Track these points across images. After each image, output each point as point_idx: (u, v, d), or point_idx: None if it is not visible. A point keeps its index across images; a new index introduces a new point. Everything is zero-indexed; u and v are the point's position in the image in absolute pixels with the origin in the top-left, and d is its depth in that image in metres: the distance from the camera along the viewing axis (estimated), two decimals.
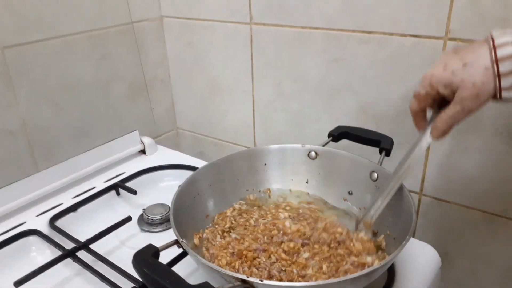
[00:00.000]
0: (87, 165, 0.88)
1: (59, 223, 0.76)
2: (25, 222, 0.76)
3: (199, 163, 0.91)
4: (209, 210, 0.68)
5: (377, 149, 0.69)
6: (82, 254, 0.66)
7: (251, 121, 0.98)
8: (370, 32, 0.75)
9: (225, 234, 0.64)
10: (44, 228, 0.73)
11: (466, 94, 0.47)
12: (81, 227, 0.76)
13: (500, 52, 0.45)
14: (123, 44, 0.95)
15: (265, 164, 0.72)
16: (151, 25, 1.01)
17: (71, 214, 0.78)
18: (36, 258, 0.71)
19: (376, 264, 0.53)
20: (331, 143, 0.73)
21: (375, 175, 0.65)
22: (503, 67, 0.45)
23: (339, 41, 0.78)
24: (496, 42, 0.46)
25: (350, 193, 0.69)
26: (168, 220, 0.77)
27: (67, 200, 0.82)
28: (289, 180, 0.73)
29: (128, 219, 0.74)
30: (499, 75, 0.45)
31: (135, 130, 0.96)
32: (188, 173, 0.87)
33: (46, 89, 0.83)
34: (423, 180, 0.79)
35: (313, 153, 0.72)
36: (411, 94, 0.74)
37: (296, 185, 0.73)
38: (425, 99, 0.53)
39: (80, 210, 0.79)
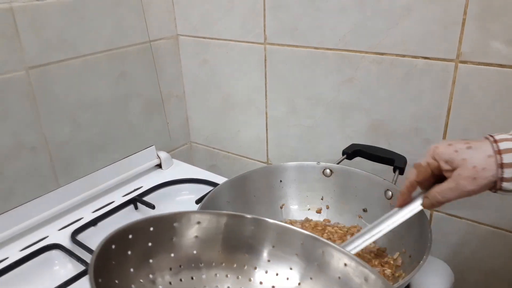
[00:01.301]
0: (105, 180, 0.90)
1: (80, 237, 0.78)
2: (47, 237, 0.78)
3: (214, 177, 0.94)
4: None
5: (387, 166, 0.71)
6: None
7: (264, 137, 1.01)
8: (382, 54, 0.77)
9: None
10: (66, 242, 0.76)
11: (464, 174, 0.48)
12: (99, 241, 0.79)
13: (502, 146, 0.47)
14: (140, 62, 0.98)
15: (280, 181, 0.75)
16: (167, 43, 1.04)
17: (91, 229, 0.80)
18: (59, 272, 0.73)
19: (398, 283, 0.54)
20: (345, 160, 0.76)
21: (390, 193, 0.67)
22: (506, 159, 0.46)
23: (352, 61, 0.81)
24: (496, 137, 0.48)
25: (365, 210, 0.71)
26: None
27: (87, 214, 0.84)
28: (304, 197, 0.75)
29: None
30: (502, 165, 0.46)
31: (152, 146, 0.99)
32: (204, 187, 0.91)
33: (67, 106, 0.86)
34: None
35: (328, 171, 0.74)
36: (422, 114, 0.77)
37: (311, 201, 0.75)
38: (425, 171, 0.53)
39: (100, 224, 0.81)
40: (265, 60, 0.92)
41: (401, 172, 0.70)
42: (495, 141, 0.48)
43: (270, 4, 0.87)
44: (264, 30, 0.90)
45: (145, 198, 0.88)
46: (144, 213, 0.87)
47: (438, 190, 0.51)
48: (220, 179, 0.91)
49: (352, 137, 0.87)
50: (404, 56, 0.75)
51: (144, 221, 0.42)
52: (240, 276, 0.46)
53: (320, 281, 0.44)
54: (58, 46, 0.82)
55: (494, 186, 0.48)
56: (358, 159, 0.77)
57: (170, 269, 0.43)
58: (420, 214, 0.60)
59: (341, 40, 0.81)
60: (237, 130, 1.06)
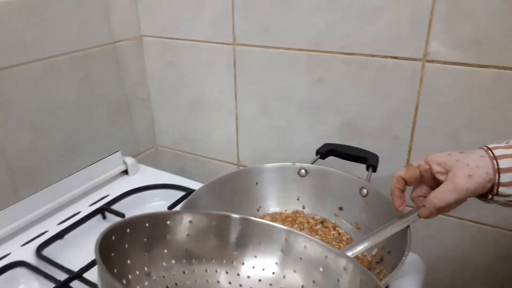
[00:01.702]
0: (70, 189, 0.86)
1: (46, 252, 0.73)
2: (10, 254, 0.73)
3: (184, 182, 0.91)
4: None
5: (360, 165, 0.73)
6: (76, 285, 0.65)
7: (235, 138, 1.00)
8: (352, 54, 0.78)
9: None
10: (31, 259, 0.71)
11: (459, 172, 0.49)
12: (69, 254, 0.75)
13: (496, 152, 0.48)
14: (104, 64, 0.93)
15: (257, 183, 0.74)
16: (131, 45, 1.00)
17: (58, 242, 0.76)
18: None
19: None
20: (319, 160, 0.76)
21: (365, 191, 0.68)
22: (502, 164, 0.47)
23: (323, 61, 0.81)
24: (489, 146, 0.50)
25: (340, 208, 0.72)
26: None
27: (52, 227, 0.79)
28: (280, 198, 0.75)
29: None
30: (498, 170, 0.47)
31: (117, 151, 0.95)
32: (174, 193, 0.88)
33: (27, 112, 0.81)
34: None
35: (303, 171, 0.74)
36: (391, 112, 0.79)
37: (288, 202, 0.75)
38: (413, 170, 0.54)
39: (67, 237, 0.77)
40: (235, 61, 0.91)
41: (374, 169, 0.71)
42: (489, 149, 0.49)
43: (240, 4, 0.86)
44: (233, 31, 0.89)
45: (113, 207, 0.85)
46: (112, 223, 0.84)
47: (435, 194, 0.51)
48: (190, 184, 0.89)
49: (324, 136, 0.87)
50: (373, 56, 0.77)
51: (141, 217, 0.45)
52: (228, 271, 0.49)
53: (303, 273, 0.48)
54: (17, 48, 0.77)
55: (491, 191, 0.49)
56: (331, 158, 0.77)
57: (164, 263, 0.46)
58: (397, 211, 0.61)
59: (312, 41, 0.81)
60: (206, 132, 1.04)
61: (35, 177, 0.84)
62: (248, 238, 0.49)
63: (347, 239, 0.68)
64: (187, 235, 0.48)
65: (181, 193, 0.86)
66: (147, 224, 0.45)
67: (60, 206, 0.84)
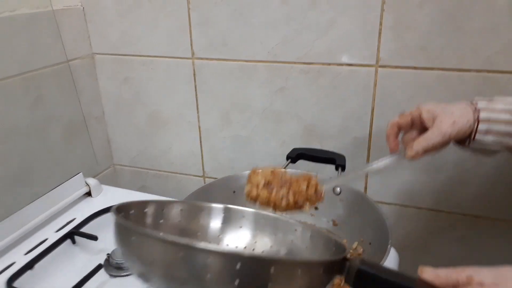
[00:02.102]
0: (33, 216, 0.82)
1: (17, 284, 0.69)
2: None
3: (151, 198, 0.90)
4: None
5: (325, 165, 0.78)
6: None
7: (199, 151, 1.01)
8: (310, 63, 0.83)
9: None
10: None
11: (445, 119, 0.56)
12: (42, 284, 0.71)
13: (480, 104, 0.56)
14: (56, 84, 0.90)
15: (234, 192, 0.76)
16: (82, 63, 0.98)
17: (28, 272, 0.72)
18: None
19: None
20: (290, 164, 0.80)
21: (338, 189, 0.73)
22: (482, 115, 0.55)
23: (282, 72, 0.86)
24: (474, 99, 0.57)
25: (316, 208, 0.76)
26: None
27: (19, 257, 0.75)
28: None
29: (99, 267, 0.72)
30: (478, 120, 0.55)
31: (79, 173, 0.92)
32: None
33: None
34: (365, 188, 0.90)
35: None
36: (349, 115, 0.85)
37: None
38: (406, 116, 0.61)
39: (37, 266, 0.73)
40: (194, 74, 0.93)
41: (343, 169, 0.76)
42: (474, 102, 0.57)
43: (196, 20, 0.88)
44: (191, 46, 0.90)
45: (83, 230, 0.82)
46: (83, 247, 0.81)
47: (424, 137, 0.57)
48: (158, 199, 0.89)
49: (287, 142, 0.92)
50: (329, 64, 0.82)
51: (142, 202, 0.53)
52: (211, 241, 0.57)
53: (271, 237, 0.57)
54: None
55: (469, 137, 0.56)
56: (299, 161, 0.82)
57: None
58: (370, 204, 0.67)
59: (270, 53, 0.85)
60: (167, 147, 1.04)
61: None
62: (231, 221, 0.57)
63: None
64: (179, 221, 0.55)
65: None
66: (145, 210, 0.53)
67: (25, 235, 0.79)
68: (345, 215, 0.71)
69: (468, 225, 0.86)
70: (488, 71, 0.74)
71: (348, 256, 0.42)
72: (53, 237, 0.80)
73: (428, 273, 0.38)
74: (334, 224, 0.73)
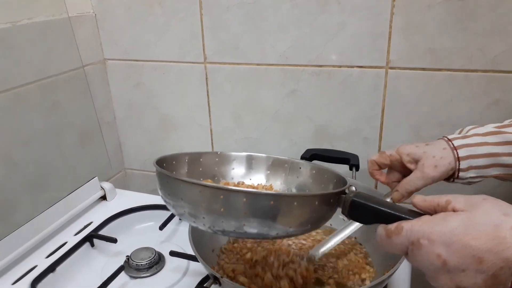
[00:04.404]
0: (53, 221, 0.83)
1: (40, 286, 0.71)
2: None
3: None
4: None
5: (335, 165, 0.80)
6: None
7: None
8: (321, 66, 0.86)
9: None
10: None
11: (427, 163, 0.58)
12: (64, 287, 0.73)
13: (456, 143, 0.58)
14: (71, 90, 0.92)
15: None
16: (94, 69, 0.99)
17: (51, 275, 0.73)
18: None
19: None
20: None
21: (353, 188, 0.74)
22: (461, 153, 0.58)
23: (293, 74, 0.88)
24: (449, 137, 0.60)
25: None
26: (157, 263, 0.78)
27: (41, 261, 0.76)
28: None
29: (121, 269, 0.73)
30: (458, 158, 0.58)
31: (94, 177, 0.93)
32: (159, 213, 0.89)
33: None
34: (376, 187, 0.92)
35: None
36: (360, 116, 0.87)
37: None
38: (385, 157, 0.63)
39: (58, 269, 0.75)
40: (206, 78, 0.95)
41: (357, 168, 0.78)
42: (449, 140, 0.59)
43: (208, 24, 0.89)
44: (204, 50, 0.92)
45: (101, 233, 0.83)
46: (101, 249, 0.82)
47: (407, 181, 0.60)
48: None
49: (298, 143, 0.94)
50: (340, 66, 0.85)
51: (182, 154, 0.65)
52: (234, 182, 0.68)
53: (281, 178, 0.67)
54: None
55: (452, 175, 0.59)
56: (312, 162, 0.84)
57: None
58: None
59: (282, 56, 0.87)
60: (178, 150, 1.05)
61: (13, 212, 0.79)
62: (255, 168, 0.68)
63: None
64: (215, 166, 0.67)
65: (167, 213, 0.87)
66: (186, 159, 0.65)
67: (45, 239, 0.81)
68: None
69: None
70: (495, 71, 0.76)
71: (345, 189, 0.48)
72: (72, 241, 0.81)
73: (417, 198, 0.44)
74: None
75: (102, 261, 0.80)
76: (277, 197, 0.46)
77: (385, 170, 0.66)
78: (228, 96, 0.95)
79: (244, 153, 0.67)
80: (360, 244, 0.73)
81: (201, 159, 0.65)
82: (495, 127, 0.60)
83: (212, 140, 1.01)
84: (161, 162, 0.57)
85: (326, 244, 0.67)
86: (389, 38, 0.79)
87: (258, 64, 0.90)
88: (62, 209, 0.85)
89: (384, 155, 0.63)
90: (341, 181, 0.56)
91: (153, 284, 0.74)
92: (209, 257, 0.69)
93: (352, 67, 0.84)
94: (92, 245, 0.82)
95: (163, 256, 0.79)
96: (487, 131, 0.59)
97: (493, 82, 0.77)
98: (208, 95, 0.96)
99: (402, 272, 0.72)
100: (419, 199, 0.43)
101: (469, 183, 0.61)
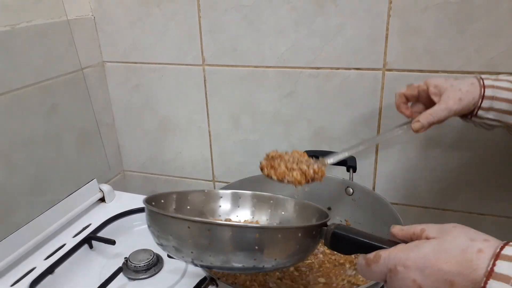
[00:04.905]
0: (51, 223, 0.83)
1: None
2: None
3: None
4: None
5: (334, 167, 0.80)
6: None
7: (208, 156, 1.03)
8: (318, 68, 0.86)
9: None
10: None
11: (452, 95, 0.59)
12: None
13: (486, 82, 0.59)
14: (70, 92, 0.92)
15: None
16: (93, 71, 0.99)
17: (49, 277, 0.74)
18: None
19: None
20: None
21: (350, 190, 0.75)
22: (488, 92, 0.58)
23: (291, 77, 0.88)
24: (482, 76, 0.60)
25: (329, 208, 0.78)
26: (155, 265, 0.78)
27: (39, 262, 0.77)
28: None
29: (119, 270, 0.73)
30: (483, 97, 0.58)
31: (93, 179, 0.93)
32: None
33: None
34: (374, 188, 0.93)
35: None
36: (357, 118, 0.88)
37: None
38: (412, 89, 0.64)
39: (57, 271, 0.75)
40: (205, 80, 0.95)
41: (354, 170, 0.79)
42: (480, 78, 0.60)
43: (207, 27, 0.90)
44: (202, 53, 0.92)
45: (99, 235, 0.84)
46: (99, 251, 0.83)
47: (430, 112, 0.61)
48: None
49: (296, 145, 0.94)
50: (338, 68, 0.85)
51: (170, 193, 0.64)
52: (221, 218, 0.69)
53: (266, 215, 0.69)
54: None
55: (472, 112, 0.60)
56: None
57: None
58: (387, 205, 0.69)
59: (280, 58, 0.88)
60: (177, 152, 1.05)
61: (12, 214, 0.80)
62: (241, 205, 0.69)
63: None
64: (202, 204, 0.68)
65: None
66: (174, 197, 0.65)
67: (43, 241, 0.81)
68: (357, 214, 0.73)
69: (474, 223, 0.88)
70: (492, 73, 0.76)
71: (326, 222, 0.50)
72: (71, 242, 0.81)
73: (395, 228, 0.46)
74: (347, 223, 0.75)
75: (101, 262, 0.80)
76: (262, 230, 0.48)
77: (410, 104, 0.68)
78: (227, 98, 0.95)
79: (230, 191, 0.69)
80: None
81: (188, 197, 0.66)
82: None
83: (210, 142, 1.01)
84: (150, 201, 0.57)
85: (338, 155, 0.69)
86: (386, 40, 0.80)
87: (256, 66, 0.90)
88: (61, 211, 0.85)
89: (412, 87, 0.65)
90: (323, 215, 0.58)
91: (151, 286, 0.74)
92: None
93: (349, 69, 0.84)
94: (91, 247, 0.82)
95: (161, 258, 0.79)
96: None
97: None
98: (206, 97, 0.97)
99: None
100: (397, 229, 0.46)
101: (485, 124, 0.62)
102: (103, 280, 0.70)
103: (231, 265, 0.47)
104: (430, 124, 0.62)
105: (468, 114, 0.61)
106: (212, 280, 0.57)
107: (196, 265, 0.49)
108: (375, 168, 0.91)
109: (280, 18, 0.84)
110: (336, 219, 0.77)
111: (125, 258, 0.78)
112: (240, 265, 0.47)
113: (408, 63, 0.80)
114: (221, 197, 0.68)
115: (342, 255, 0.70)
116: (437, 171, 0.87)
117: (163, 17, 0.92)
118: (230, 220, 0.67)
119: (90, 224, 0.88)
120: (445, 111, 0.60)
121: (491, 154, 0.82)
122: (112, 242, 0.80)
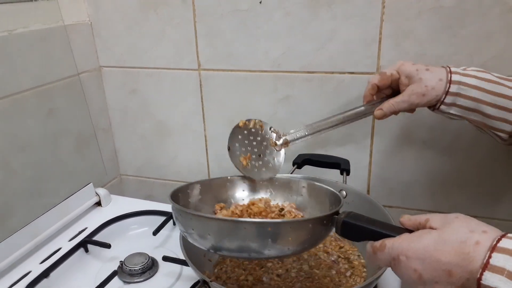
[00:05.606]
0: (47, 227, 0.84)
1: None
2: None
3: (162, 207, 0.93)
4: None
5: (328, 170, 0.81)
6: None
7: (204, 159, 1.03)
8: (313, 72, 0.87)
9: None
10: None
11: (416, 90, 0.62)
12: None
13: (454, 77, 0.61)
14: (67, 97, 0.93)
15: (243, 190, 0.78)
16: (90, 76, 1.00)
17: (44, 281, 0.74)
18: None
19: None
20: (296, 170, 0.83)
21: (344, 193, 0.76)
22: (452, 89, 0.61)
23: (286, 81, 0.89)
24: (452, 69, 0.62)
25: None
26: (150, 268, 0.78)
27: (35, 266, 0.77)
28: None
29: (114, 274, 0.73)
30: (447, 92, 0.61)
31: (89, 183, 0.94)
32: (153, 218, 0.89)
33: None
34: (368, 191, 0.93)
35: None
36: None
37: None
38: (386, 79, 0.66)
39: (52, 274, 0.75)
40: (201, 85, 0.96)
41: (348, 173, 0.79)
42: (450, 72, 0.62)
43: (202, 32, 0.91)
44: (198, 57, 0.93)
45: (95, 238, 0.84)
46: (95, 255, 0.83)
47: (393, 101, 0.65)
48: (168, 208, 0.91)
49: (291, 148, 0.93)
50: (332, 73, 0.86)
51: (195, 183, 0.69)
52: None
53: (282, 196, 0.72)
54: None
55: (434, 105, 0.63)
56: (304, 167, 0.85)
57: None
58: (380, 208, 0.69)
59: (275, 62, 0.88)
60: (173, 156, 1.06)
61: (8, 218, 0.80)
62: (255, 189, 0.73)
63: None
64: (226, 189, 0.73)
65: (161, 218, 0.88)
66: (199, 186, 0.69)
67: (39, 244, 0.81)
68: None
69: None
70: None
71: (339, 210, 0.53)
72: (67, 246, 0.82)
73: (404, 218, 0.48)
74: None
75: (96, 266, 0.80)
76: (274, 224, 0.50)
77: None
78: (222, 103, 0.96)
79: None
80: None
81: (212, 185, 0.71)
82: (498, 77, 0.62)
83: (206, 146, 1.02)
84: (177, 192, 0.63)
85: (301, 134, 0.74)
86: (380, 44, 0.80)
87: (251, 71, 0.91)
88: (57, 215, 0.86)
89: (385, 76, 0.66)
90: (337, 200, 0.60)
91: None
92: (201, 262, 0.70)
93: (343, 73, 0.85)
94: (86, 250, 0.83)
95: (156, 262, 0.80)
96: (487, 77, 0.62)
97: None
98: (202, 101, 0.97)
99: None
100: (405, 219, 0.48)
101: (449, 117, 0.65)
102: (98, 284, 0.70)
103: (249, 254, 0.50)
104: (392, 113, 0.66)
105: (431, 107, 0.64)
106: (205, 283, 0.57)
107: (215, 252, 0.53)
108: (369, 171, 0.91)
109: (275, 23, 0.85)
110: None
111: (120, 261, 0.79)
112: (256, 255, 0.50)
113: None
114: (244, 183, 0.73)
115: None
116: (431, 174, 0.87)
117: (159, 22, 0.93)
118: (254, 203, 0.69)
119: (86, 228, 0.88)
120: (407, 104, 0.63)
121: (485, 157, 0.83)
122: (107, 245, 0.80)
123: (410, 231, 0.46)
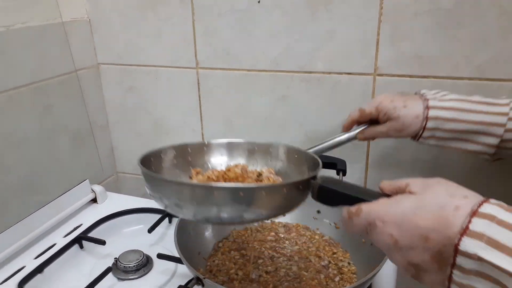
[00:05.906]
0: (42, 222, 0.84)
1: (27, 287, 0.71)
2: None
3: (157, 205, 0.92)
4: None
5: (325, 170, 0.80)
6: None
7: None
8: (311, 72, 0.87)
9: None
10: None
11: (395, 126, 0.66)
12: None
13: (431, 113, 0.63)
14: (64, 94, 0.93)
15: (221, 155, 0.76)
16: (88, 73, 1.00)
17: (38, 276, 0.74)
18: None
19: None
20: None
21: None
22: (429, 124, 0.63)
23: (284, 80, 0.89)
24: (430, 103, 0.64)
25: (318, 211, 0.78)
26: (144, 265, 0.78)
27: (29, 261, 0.77)
28: None
29: (108, 270, 0.73)
30: (424, 127, 0.64)
31: (85, 180, 0.94)
32: (149, 216, 0.89)
33: None
34: None
35: None
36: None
37: None
38: (365, 116, 0.70)
39: (46, 270, 0.75)
40: (198, 83, 0.96)
41: (344, 173, 0.79)
42: (427, 107, 0.64)
43: (200, 31, 0.91)
44: (196, 56, 0.93)
45: (90, 235, 0.84)
46: (90, 251, 0.83)
47: (374, 130, 0.69)
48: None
49: None
50: (330, 73, 0.86)
51: (169, 146, 0.66)
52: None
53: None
54: None
55: (416, 136, 0.66)
56: None
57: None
58: None
59: (273, 62, 0.88)
60: None
61: (3, 213, 0.80)
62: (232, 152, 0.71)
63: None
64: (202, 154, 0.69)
65: (156, 216, 0.88)
66: (174, 152, 0.66)
67: (34, 240, 0.81)
68: None
69: None
70: (480, 79, 0.78)
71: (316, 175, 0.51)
72: (61, 242, 0.82)
73: (384, 183, 0.47)
74: (336, 227, 0.76)
75: (91, 262, 0.80)
76: (247, 189, 0.49)
77: None
78: (220, 101, 0.96)
79: (226, 140, 0.71)
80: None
81: (189, 149, 0.68)
82: (474, 101, 0.64)
83: None
84: (148, 157, 0.61)
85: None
86: (377, 45, 0.81)
87: (249, 70, 0.91)
88: (52, 211, 0.86)
89: (364, 114, 0.70)
90: (316, 164, 0.59)
91: (140, 286, 0.74)
92: (195, 259, 0.70)
93: (341, 73, 0.85)
94: (81, 247, 0.83)
95: (151, 259, 0.80)
96: (464, 107, 0.63)
97: (479, 90, 0.78)
98: (200, 100, 0.97)
99: (387, 272, 0.72)
100: (386, 184, 0.47)
101: (429, 145, 0.67)
102: (92, 280, 0.70)
103: (222, 217, 0.48)
104: (373, 139, 0.71)
105: (412, 137, 0.67)
106: (198, 280, 0.57)
107: (192, 219, 0.51)
108: (366, 172, 0.91)
109: (273, 23, 0.85)
110: (325, 222, 0.78)
111: (115, 258, 0.79)
112: (230, 219, 0.49)
113: (398, 68, 0.81)
114: (221, 147, 0.70)
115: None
116: (429, 174, 0.87)
117: (158, 20, 0.93)
118: (230, 169, 0.66)
119: (81, 224, 0.88)
120: (385, 135, 0.68)
121: (481, 168, 0.83)
122: (102, 242, 0.80)
123: (389, 196, 0.44)
